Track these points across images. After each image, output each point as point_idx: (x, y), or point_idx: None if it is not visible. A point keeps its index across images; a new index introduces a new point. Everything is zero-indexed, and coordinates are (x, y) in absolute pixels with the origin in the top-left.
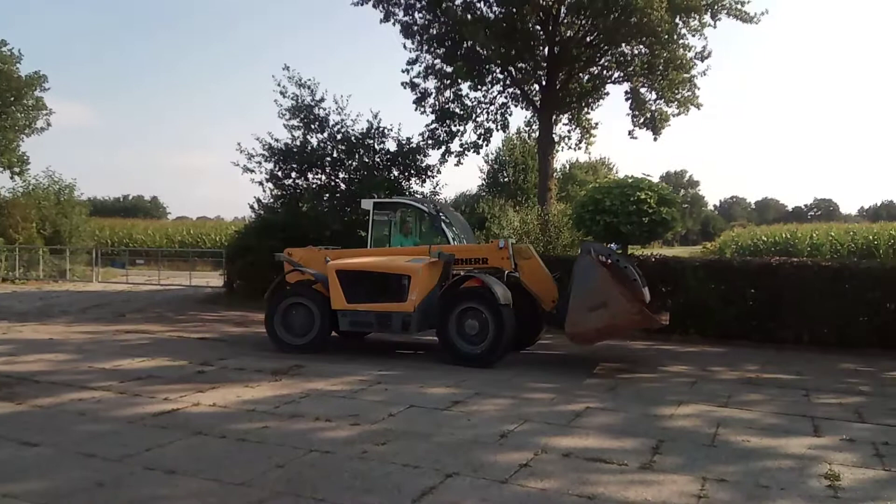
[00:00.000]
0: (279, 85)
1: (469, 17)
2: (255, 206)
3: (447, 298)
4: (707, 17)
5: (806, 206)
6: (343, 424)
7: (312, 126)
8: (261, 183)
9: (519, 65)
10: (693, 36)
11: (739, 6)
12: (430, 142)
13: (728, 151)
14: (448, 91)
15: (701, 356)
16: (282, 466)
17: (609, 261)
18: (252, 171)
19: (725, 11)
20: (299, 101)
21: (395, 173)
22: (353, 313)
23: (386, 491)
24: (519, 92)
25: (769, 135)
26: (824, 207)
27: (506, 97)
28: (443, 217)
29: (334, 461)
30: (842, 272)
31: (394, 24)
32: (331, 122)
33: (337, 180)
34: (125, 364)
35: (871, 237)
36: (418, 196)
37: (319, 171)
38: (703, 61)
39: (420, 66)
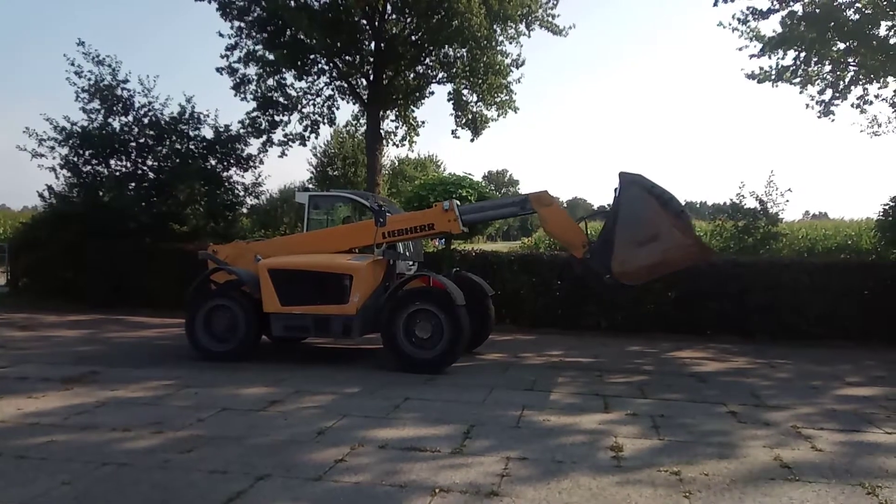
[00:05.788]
0: (73, 64)
1: (292, 2)
2: (47, 194)
3: (395, 300)
4: (522, 27)
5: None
6: (144, 433)
7: (115, 108)
8: (53, 169)
9: (346, 57)
10: (510, 43)
11: (550, 19)
12: (250, 129)
13: (543, 154)
14: (271, 79)
15: (513, 343)
16: (68, 483)
17: (654, 191)
18: (43, 156)
19: (538, 23)
20: (98, 80)
21: (213, 162)
22: (287, 317)
23: (189, 500)
24: (346, 85)
25: (579, 139)
26: None
27: (332, 89)
28: (387, 211)
29: (131, 473)
30: None
31: (210, 1)
32: (136, 105)
33: (144, 168)
34: None
35: None
36: (359, 191)
37: (123, 157)
38: (518, 68)
39: (241, 51)
